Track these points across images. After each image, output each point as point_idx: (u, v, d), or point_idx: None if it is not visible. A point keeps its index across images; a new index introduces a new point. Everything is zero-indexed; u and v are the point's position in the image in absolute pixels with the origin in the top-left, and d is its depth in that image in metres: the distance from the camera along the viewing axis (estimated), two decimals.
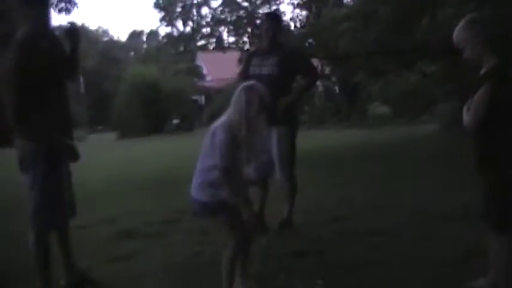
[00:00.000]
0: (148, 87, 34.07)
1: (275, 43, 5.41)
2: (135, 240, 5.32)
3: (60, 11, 13.62)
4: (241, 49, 19.08)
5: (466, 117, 3.16)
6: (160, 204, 7.28)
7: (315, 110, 28.60)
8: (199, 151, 3.45)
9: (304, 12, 19.92)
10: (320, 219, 5.69)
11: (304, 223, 5.52)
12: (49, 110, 3.62)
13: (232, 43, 20.75)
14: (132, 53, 68.63)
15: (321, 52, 15.69)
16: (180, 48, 23.98)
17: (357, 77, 19.91)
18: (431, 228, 4.93)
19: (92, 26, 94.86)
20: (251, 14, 18.66)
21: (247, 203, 3.47)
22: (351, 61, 16.27)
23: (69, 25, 3.97)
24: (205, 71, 44.16)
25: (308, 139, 12.82)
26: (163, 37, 29.01)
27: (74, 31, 3.97)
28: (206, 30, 20.78)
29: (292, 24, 19.39)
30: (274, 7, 19.07)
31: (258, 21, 17.73)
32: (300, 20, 19.85)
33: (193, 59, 41.42)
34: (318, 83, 21.87)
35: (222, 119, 3.39)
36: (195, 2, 20.71)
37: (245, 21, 18.90)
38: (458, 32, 3.23)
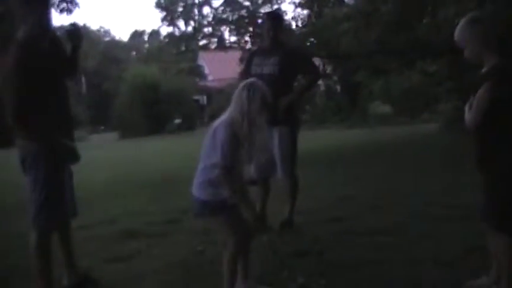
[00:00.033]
0: (149, 87, 34.13)
1: (276, 42, 5.40)
2: (137, 240, 5.31)
3: (61, 11, 13.64)
4: (243, 49, 19.07)
5: (467, 116, 3.16)
6: (162, 204, 7.28)
7: (316, 109, 28.60)
8: (201, 151, 3.45)
9: (305, 12, 19.89)
10: (321, 218, 5.69)
11: (306, 222, 5.51)
12: (49, 110, 3.62)
13: (234, 43, 20.74)
14: (134, 53, 68.69)
15: (322, 51, 15.69)
16: (182, 48, 24.00)
17: (358, 76, 19.90)
18: (432, 228, 4.93)
19: (94, 26, 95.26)
20: (252, 13, 18.66)
21: (249, 203, 3.47)
22: (352, 60, 16.28)
23: (71, 26, 3.97)
24: (206, 71, 44.18)
25: (309, 138, 12.83)
26: (164, 37, 29.04)
27: (75, 32, 3.97)
28: (208, 29, 20.80)
29: (293, 24, 19.36)
30: (275, 6, 19.07)
31: (259, 21, 17.72)
32: (301, 19, 19.82)
33: (194, 58, 41.45)
34: (320, 82, 21.85)
35: (223, 117, 3.39)
36: (196, 1, 20.73)
37: (246, 20, 18.89)
38: (459, 31, 3.23)
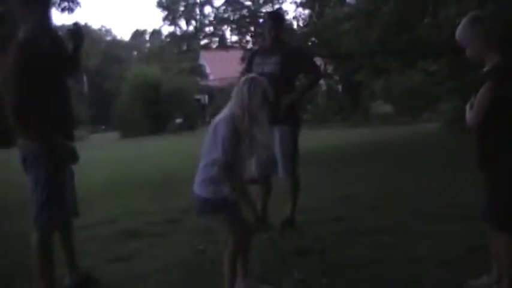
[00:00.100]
0: (150, 87, 34.14)
1: (278, 42, 5.40)
2: (138, 240, 5.31)
3: (63, 10, 13.62)
4: (244, 48, 19.06)
5: (469, 115, 3.16)
6: (163, 203, 7.28)
7: (318, 108, 28.61)
8: (202, 149, 3.44)
9: (306, 11, 19.89)
10: (322, 217, 5.69)
11: (307, 221, 5.51)
12: (50, 110, 3.62)
13: (235, 42, 20.73)
14: (135, 53, 68.73)
15: (324, 51, 15.69)
16: (183, 48, 23.98)
17: (359, 76, 19.90)
18: (433, 227, 4.93)
19: (95, 25, 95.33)
20: (254, 13, 18.64)
21: (250, 202, 3.47)
22: (353, 60, 16.27)
23: (73, 25, 3.97)
24: (208, 70, 44.20)
25: (311, 138, 12.82)
26: (166, 36, 28.99)
27: (77, 31, 3.97)
28: (209, 29, 20.78)
29: (295, 23, 19.34)
30: (276, 6, 19.04)
31: (260, 20, 17.70)
32: (302, 18, 19.82)
33: (196, 58, 41.45)
34: (321, 81, 21.86)
35: (224, 112, 3.39)
36: (198, 1, 20.73)
37: (248, 20, 18.87)
38: (460, 30, 3.23)
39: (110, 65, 57.12)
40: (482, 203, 3.29)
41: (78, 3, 13.85)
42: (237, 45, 20.44)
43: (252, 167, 5.14)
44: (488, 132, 3.11)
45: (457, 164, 7.82)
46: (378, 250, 4.37)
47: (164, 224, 5.97)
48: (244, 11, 18.88)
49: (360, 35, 12.96)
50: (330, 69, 22.18)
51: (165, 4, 22.14)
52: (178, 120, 35.88)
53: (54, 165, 3.63)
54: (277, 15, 6.14)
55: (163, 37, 39.19)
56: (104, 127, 46.69)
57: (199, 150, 3.49)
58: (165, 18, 22.06)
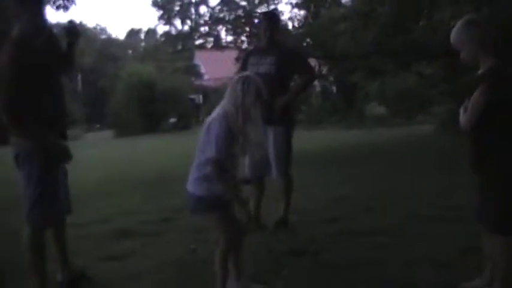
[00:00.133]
0: (145, 86, 34.09)
1: (273, 42, 5.40)
2: (131, 239, 5.31)
3: (58, 8, 13.59)
4: (239, 48, 19.03)
5: (462, 118, 3.17)
6: (156, 203, 7.27)
7: (312, 109, 28.60)
8: (196, 150, 3.44)
9: (302, 12, 19.87)
10: (316, 218, 5.69)
11: (301, 222, 5.52)
12: (43, 108, 3.62)
13: (230, 42, 20.69)
14: (130, 51, 68.61)
15: (319, 52, 15.68)
16: (178, 47, 23.89)
17: (354, 77, 19.90)
18: (427, 228, 4.94)
19: (90, 23, 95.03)
20: (249, 13, 18.61)
21: (242, 202, 3.47)
22: (348, 61, 16.27)
23: (68, 23, 3.97)
24: (203, 70, 44.16)
25: (305, 139, 12.84)
26: (161, 35, 28.88)
27: (73, 29, 3.97)
28: (204, 29, 20.71)
29: (290, 24, 19.31)
30: (272, 6, 19.02)
31: (256, 21, 17.68)
32: (298, 19, 19.79)
33: (191, 57, 41.37)
34: (315, 82, 21.86)
35: (218, 111, 3.38)
36: (193, 0, 20.67)
37: (243, 20, 18.85)
38: (455, 33, 3.24)
39: (104, 63, 57.03)
40: (477, 205, 3.30)
41: (73, 1, 13.83)
42: (232, 45, 20.40)
43: (245, 167, 5.15)
44: (482, 134, 3.12)
45: (451, 166, 7.83)
46: (373, 251, 4.38)
47: (158, 223, 5.96)
48: (240, 11, 18.86)
49: (356, 37, 12.96)
50: (324, 70, 22.16)
51: (160, 3, 22.06)
52: (173, 120, 35.81)
53: (47, 162, 3.63)
54: (273, 16, 6.14)
55: (158, 36, 39.10)
56: (98, 126, 46.56)
57: (193, 150, 3.49)
58: (160, 18, 21.97)
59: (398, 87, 21.58)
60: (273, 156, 5.25)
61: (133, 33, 73.18)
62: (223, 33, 21.02)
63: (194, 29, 20.92)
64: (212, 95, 33.62)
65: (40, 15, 3.73)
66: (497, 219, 3.13)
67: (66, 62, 3.99)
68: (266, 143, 5.10)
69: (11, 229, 5.10)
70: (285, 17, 19.56)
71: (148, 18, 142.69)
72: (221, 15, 19.13)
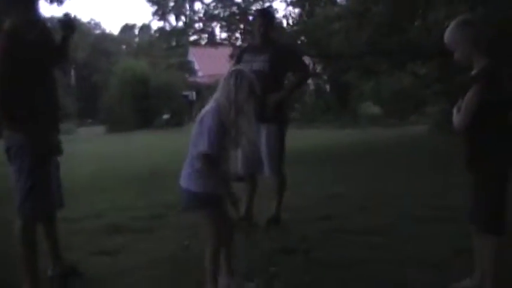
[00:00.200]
0: (139, 82, 34.06)
1: (267, 40, 5.40)
2: (123, 235, 5.29)
3: (52, 1, 13.52)
4: (234, 45, 19.01)
5: (456, 118, 3.18)
6: (149, 198, 7.26)
7: (306, 107, 28.62)
8: (188, 146, 3.43)
9: (297, 10, 19.86)
10: (309, 216, 5.69)
11: (293, 220, 5.52)
12: (36, 101, 3.61)
13: (225, 39, 20.66)
14: (124, 47, 68.45)
15: (313, 50, 15.68)
16: (172, 43, 23.85)
17: (348, 77, 19.93)
18: (420, 229, 4.95)
19: (84, 18, 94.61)
20: (244, 10, 18.59)
21: (234, 199, 3.46)
22: (343, 60, 16.29)
23: (64, 16, 3.95)
24: (196, 67, 44.08)
25: (298, 137, 12.83)
26: (155, 31, 28.82)
27: (68, 22, 3.94)
28: (199, 25, 20.68)
29: (284, 22, 19.30)
30: (267, 4, 19.00)
31: (250, 18, 17.66)
32: (292, 17, 19.78)
33: (185, 54, 41.31)
34: (309, 81, 21.87)
35: (210, 105, 3.37)
36: None
37: (238, 17, 18.82)
38: (449, 33, 3.24)
39: (98, 58, 56.87)
40: (469, 206, 3.31)
41: None
42: (226, 42, 20.38)
43: (237, 164, 5.14)
44: (476, 134, 3.13)
45: (445, 166, 7.86)
46: (366, 250, 4.38)
47: (150, 219, 5.95)
48: (234, 8, 18.83)
49: (350, 36, 12.97)
50: (318, 68, 22.17)
51: None
52: (166, 116, 35.76)
53: (38, 156, 3.61)
54: (267, 13, 6.14)
55: (152, 32, 39.04)
56: (90, 120, 46.41)
57: (186, 146, 3.48)
58: (154, 13, 21.93)
59: (393, 87, 21.62)
60: (265, 155, 5.24)
61: (127, 29, 72.99)
62: (217, 30, 21.00)
63: (188, 25, 20.87)
64: (206, 91, 33.58)
65: (33, 8, 3.72)
66: (489, 219, 3.14)
67: (59, 55, 3.97)
68: (259, 140, 5.10)
69: (3, 222, 5.07)
70: (279, 14, 19.55)
71: (143, 14, 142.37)
72: (215, 11, 19.07)
